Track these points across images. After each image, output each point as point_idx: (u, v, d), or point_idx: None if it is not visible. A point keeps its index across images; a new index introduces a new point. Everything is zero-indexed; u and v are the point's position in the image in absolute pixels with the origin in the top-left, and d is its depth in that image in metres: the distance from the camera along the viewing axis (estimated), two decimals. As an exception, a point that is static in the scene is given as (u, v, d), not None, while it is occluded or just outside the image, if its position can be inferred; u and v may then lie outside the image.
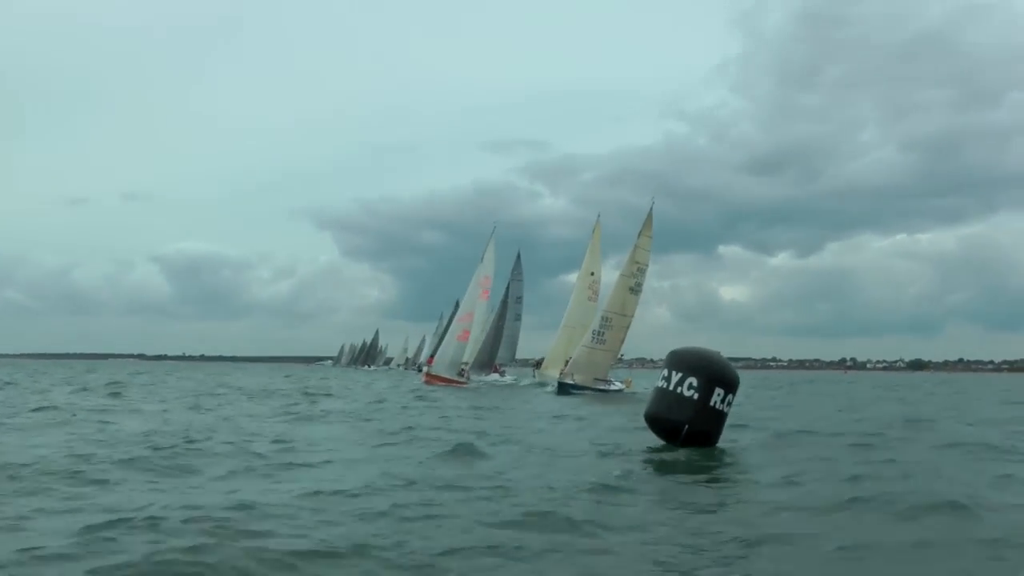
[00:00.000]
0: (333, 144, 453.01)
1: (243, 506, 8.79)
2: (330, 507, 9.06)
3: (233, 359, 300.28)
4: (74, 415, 21.36)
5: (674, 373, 14.84)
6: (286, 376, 74.23)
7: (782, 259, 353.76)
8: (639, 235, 45.58)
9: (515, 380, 62.01)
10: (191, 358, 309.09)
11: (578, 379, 43.58)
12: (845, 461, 13.59)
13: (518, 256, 67.64)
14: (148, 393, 35.65)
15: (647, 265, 45.75)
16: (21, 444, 14.49)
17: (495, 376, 62.80)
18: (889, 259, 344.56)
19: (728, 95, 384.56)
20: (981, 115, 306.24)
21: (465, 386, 54.48)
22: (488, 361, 63.84)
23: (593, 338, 44.81)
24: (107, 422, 19.61)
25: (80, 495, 9.70)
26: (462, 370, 58.76)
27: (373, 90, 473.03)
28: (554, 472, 12.05)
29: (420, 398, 34.82)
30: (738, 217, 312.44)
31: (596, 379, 44.23)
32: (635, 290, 45.25)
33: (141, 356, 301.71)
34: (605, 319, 44.92)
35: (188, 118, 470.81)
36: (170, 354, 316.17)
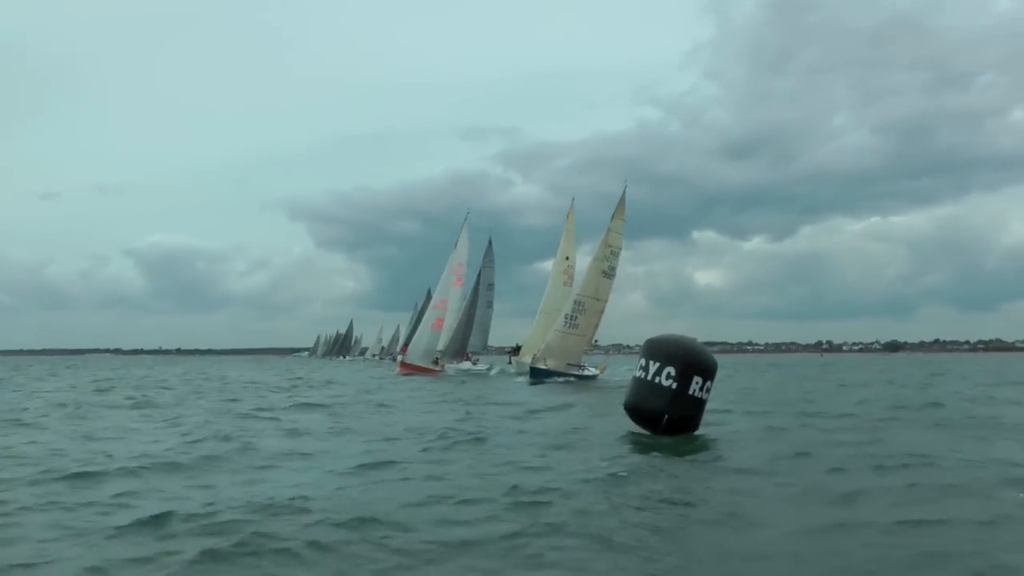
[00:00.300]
0: (306, 134, 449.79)
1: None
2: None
3: (209, 352, 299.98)
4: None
5: (651, 363, 14.86)
6: (276, 368, 73.60)
7: (756, 243, 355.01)
8: (612, 218, 44.82)
9: (488, 368, 61.42)
10: (167, 352, 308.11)
11: (551, 364, 42.78)
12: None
13: (489, 243, 66.94)
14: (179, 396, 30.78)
15: (620, 249, 45.02)
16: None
17: (467, 364, 62.13)
18: (863, 242, 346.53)
19: (700, 80, 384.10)
20: (953, 97, 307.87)
21: (439, 374, 53.91)
22: (460, 349, 63.11)
23: (566, 322, 43.96)
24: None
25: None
26: (437, 358, 58.22)
27: (345, 79, 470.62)
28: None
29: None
30: (712, 202, 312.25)
31: (569, 364, 43.49)
32: (608, 274, 44.54)
33: (117, 351, 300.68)
34: (578, 303, 44.05)
35: (161, 109, 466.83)
36: (146, 348, 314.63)
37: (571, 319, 43.84)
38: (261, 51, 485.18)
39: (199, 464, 12.22)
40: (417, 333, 58.94)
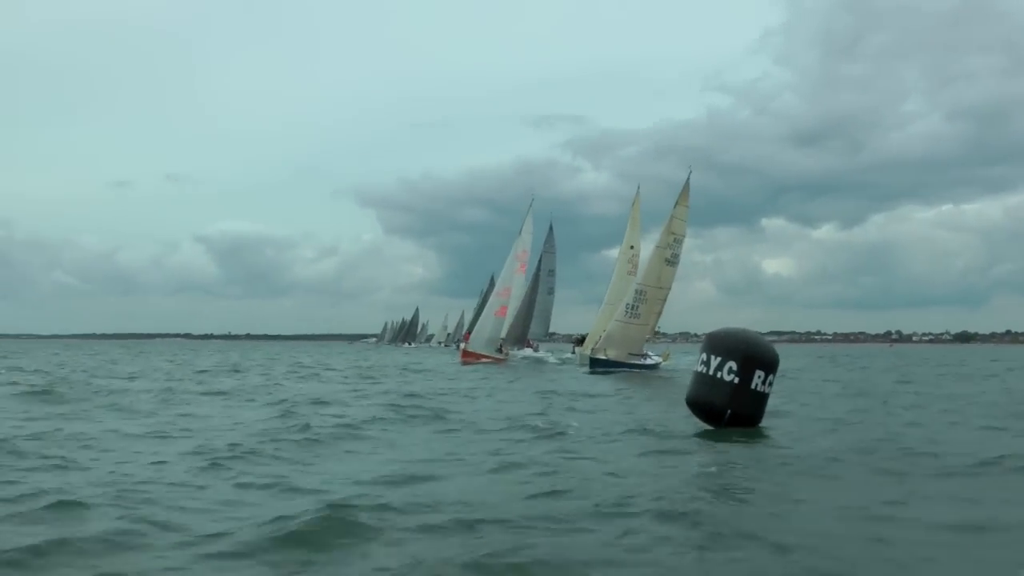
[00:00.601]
0: (375, 123, 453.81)
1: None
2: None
3: (277, 338, 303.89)
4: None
5: (713, 357, 14.76)
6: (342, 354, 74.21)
7: (826, 231, 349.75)
8: (675, 205, 44.38)
9: (548, 355, 61.53)
10: (236, 337, 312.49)
11: (611, 354, 42.64)
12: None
13: (550, 229, 66.42)
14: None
15: (684, 236, 44.66)
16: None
17: (528, 351, 62.21)
18: (934, 230, 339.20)
19: (771, 66, 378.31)
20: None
21: (504, 362, 54.04)
22: (521, 336, 63.10)
23: (627, 312, 43.71)
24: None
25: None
26: (500, 346, 58.39)
27: (413, 68, 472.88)
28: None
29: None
30: (781, 190, 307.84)
31: (631, 354, 43.22)
32: (671, 261, 44.22)
33: (187, 335, 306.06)
34: (639, 292, 43.75)
35: (230, 98, 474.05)
36: (216, 333, 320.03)
37: (632, 308, 43.63)
38: (331, 38, 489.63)
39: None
40: (480, 321, 59.15)
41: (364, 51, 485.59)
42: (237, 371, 39.66)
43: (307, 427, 14.91)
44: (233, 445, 12.55)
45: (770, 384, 14.90)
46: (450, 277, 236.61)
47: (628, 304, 43.87)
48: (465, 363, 52.09)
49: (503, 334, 59.24)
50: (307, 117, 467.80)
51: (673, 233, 44.02)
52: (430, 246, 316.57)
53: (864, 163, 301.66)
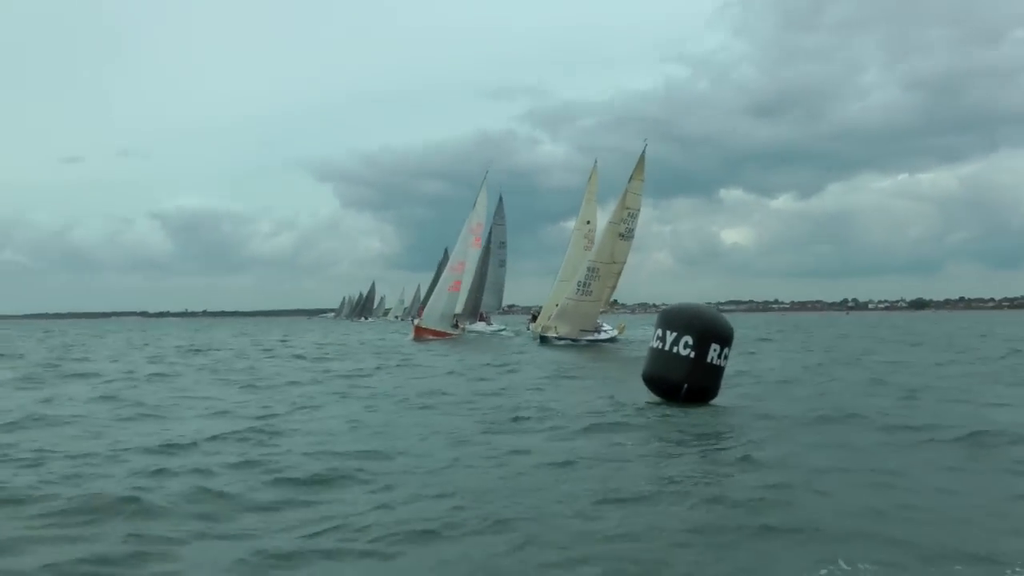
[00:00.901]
0: (331, 95, 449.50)
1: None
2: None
3: (236, 314, 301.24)
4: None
5: (668, 333, 14.97)
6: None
7: (783, 201, 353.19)
8: (630, 179, 43.57)
9: (503, 329, 60.99)
10: (194, 314, 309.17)
11: (561, 331, 42.18)
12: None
13: (500, 200, 65.06)
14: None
15: (639, 210, 43.92)
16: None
17: (481, 325, 61.52)
18: (890, 199, 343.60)
19: (729, 38, 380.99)
20: (983, 53, 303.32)
21: (456, 337, 53.29)
22: (473, 309, 62.23)
23: (578, 289, 42.98)
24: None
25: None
26: (456, 322, 57.57)
27: (370, 39, 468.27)
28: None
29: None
30: (739, 160, 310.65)
31: (582, 331, 42.66)
32: (625, 236, 43.56)
33: (144, 314, 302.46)
34: (592, 269, 42.98)
35: (183, 72, 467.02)
36: (173, 311, 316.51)
37: (584, 286, 42.88)
38: (288, 11, 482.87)
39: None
40: (433, 296, 57.96)
41: (320, 24, 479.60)
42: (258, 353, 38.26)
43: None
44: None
45: (725, 357, 15.07)
46: (408, 250, 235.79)
47: (580, 282, 43.10)
48: (417, 339, 51.18)
49: (458, 309, 58.38)
50: (263, 91, 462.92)
51: (627, 208, 43.31)
52: (388, 219, 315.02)
53: (822, 133, 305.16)
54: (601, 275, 42.79)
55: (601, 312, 46.19)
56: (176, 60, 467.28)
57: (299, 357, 33.68)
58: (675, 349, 14.77)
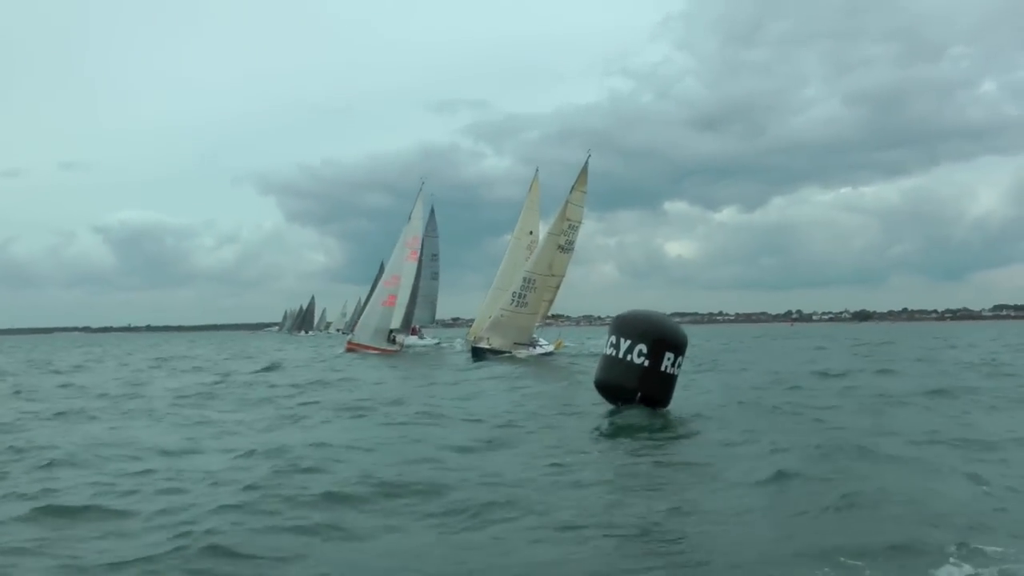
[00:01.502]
0: (274, 108, 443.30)
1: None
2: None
3: (179, 328, 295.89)
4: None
5: (622, 340, 14.77)
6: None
7: (727, 214, 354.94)
8: (571, 190, 41.83)
9: (437, 342, 59.12)
10: (137, 329, 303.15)
11: (495, 344, 39.95)
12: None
13: (432, 212, 63.11)
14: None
15: (580, 222, 42.24)
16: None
17: (413, 339, 59.34)
18: (834, 212, 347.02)
19: (672, 51, 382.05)
20: (924, 69, 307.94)
21: (394, 353, 51.11)
22: (406, 323, 59.97)
23: (513, 300, 40.85)
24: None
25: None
26: (393, 337, 55.38)
27: (314, 51, 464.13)
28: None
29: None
30: (683, 173, 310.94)
31: (516, 344, 40.52)
32: (565, 248, 41.80)
33: (86, 329, 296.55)
34: (528, 280, 40.85)
35: (126, 85, 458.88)
36: (115, 326, 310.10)
37: (519, 297, 40.75)
38: (230, 23, 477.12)
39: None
40: (366, 311, 55.64)
41: (262, 36, 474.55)
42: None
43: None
44: None
45: (679, 366, 14.97)
46: (352, 264, 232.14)
47: (515, 292, 41.01)
48: (350, 352, 49.08)
49: (395, 324, 56.02)
50: (206, 103, 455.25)
51: (568, 219, 41.59)
52: (332, 233, 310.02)
53: (765, 147, 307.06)
54: (538, 287, 40.72)
55: (541, 326, 44.32)
56: (119, 72, 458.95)
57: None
58: (629, 357, 14.58)
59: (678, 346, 14.89)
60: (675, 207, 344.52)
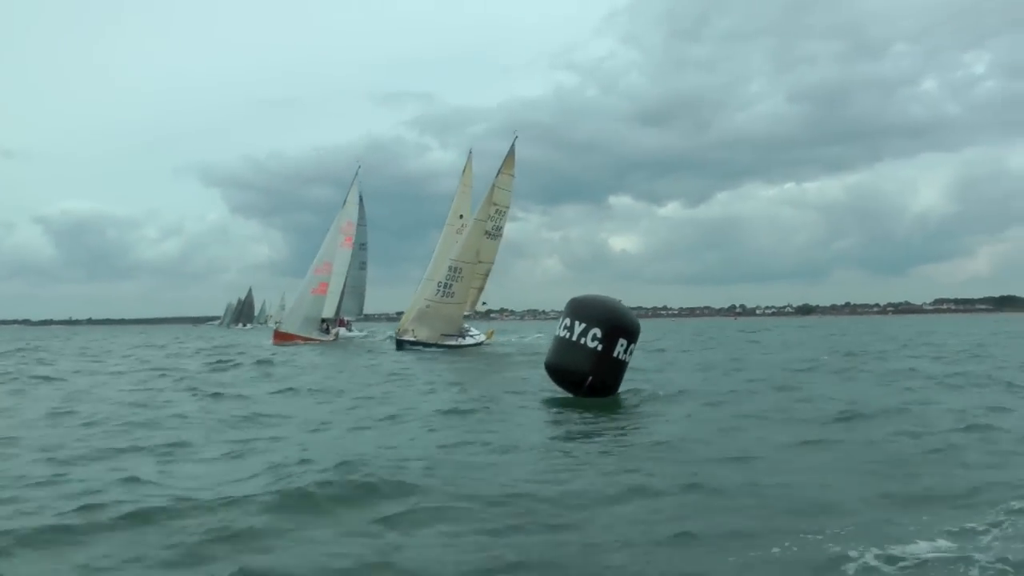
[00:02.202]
0: (219, 99, 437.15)
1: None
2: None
3: (121, 322, 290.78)
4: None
5: (577, 323, 14.62)
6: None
7: (672, 209, 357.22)
8: (498, 173, 40.72)
9: (365, 335, 57.81)
10: (78, 322, 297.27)
11: (420, 335, 38.79)
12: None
13: (360, 200, 60.41)
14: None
15: (508, 207, 41.18)
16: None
17: (341, 331, 57.86)
18: (777, 207, 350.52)
19: (617, 46, 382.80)
20: (868, 66, 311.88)
21: (323, 342, 49.84)
22: (333, 315, 58.42)
23: (439, 291, 39.61)
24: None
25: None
26: (327, 326, 54.09)
27: (259, 44, 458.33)
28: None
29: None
30: (628, 167, 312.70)
31: (444, 335, 39.39)
32: (493, 235, 40.72)
33: (27, 322, 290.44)
34: (454, 269, 39.62)
35: (68, 71, 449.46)
36: (56, 319, 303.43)
37: (445, 287, 39.55)
38: (175, 11, 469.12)
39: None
40: (295, 299, 54.01)
41: (208, 26, 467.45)
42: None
43: None
44: None
45: (631, 353, 14.97)
46: (297, 257, 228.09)
47: (440, 283, 39.76)
48: (278, 344, 47.50)
49: (326, 313, 54.57)
50: (149, 93, 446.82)
51: (495, 204, 40.49)
52: (276, 225, 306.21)
53: (709, 142, 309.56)
54: (464, 276, 39.53)
55: (472, 316, 43.32)
56: (61, 58, 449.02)
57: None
58: (583, 340, 14.45)
59: (632, 333, 14.85)
60: (620, 201, 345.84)
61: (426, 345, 38.04)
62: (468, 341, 40.86)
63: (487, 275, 41.75)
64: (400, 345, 38.43)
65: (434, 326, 39.02)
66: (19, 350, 44.33)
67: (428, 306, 39.41)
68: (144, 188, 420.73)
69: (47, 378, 23.65)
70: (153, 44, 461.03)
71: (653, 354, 30.80)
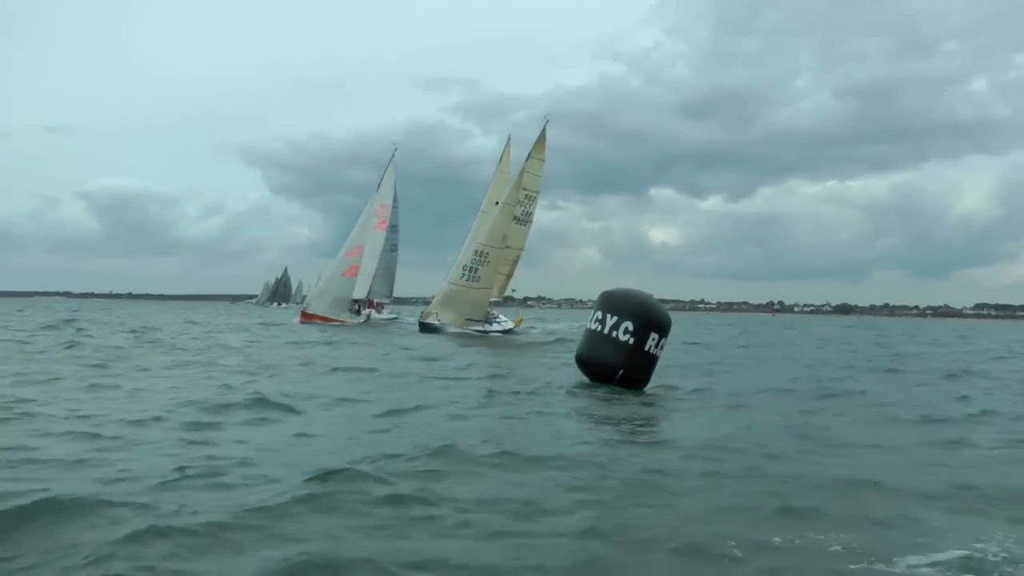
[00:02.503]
0: (261, 81, 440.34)
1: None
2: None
3: (161, 297, 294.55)
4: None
5: (609, 316, 14.72)
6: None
7: (713, 203, 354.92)
8: (528, 158, 40.32)
9: (395, 317, 57.65)
10: (118, 296, 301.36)
11: (444, 320, 38.50)
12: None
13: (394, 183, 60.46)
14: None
15: (538, 192, 40.72)
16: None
17: (371, 312, 57.78)
18: (819, 204, 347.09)
19: (663, 37, 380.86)
20: (916, 64, 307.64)
21: (352, 324, 49.81)
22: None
23: (464, 275, 39.25)
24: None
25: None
26: (359, 308, 54.07)
27: (303, 27, 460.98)
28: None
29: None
30: (670, 160, 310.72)
31: (468, 320, 39.06)
32: (522, 220, 40.28)
33: (67, 294, 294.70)
34: (480, 254, 39.24)
35: (114, 50, 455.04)
36: (97, 292, 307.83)
37: (470, 271, 39.18)
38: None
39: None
40: (324, 281, 53.86)
41: (253, 6, 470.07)
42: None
43: None
44: None
45: (661, 347, 14.98)
46: (336, 238, 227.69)
47: (466, 266, 39.39)
48: (304, 323, 47.68)
49: (357, 295, 54.47)
50: (193, 72, 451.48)
51: (525, 189, 40.05)
52: (316, 207, 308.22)
53: (753, 137, 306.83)
54: (491, 260, 39.13)
55: (499, 302, 42.91)
56: (107, 37, 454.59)
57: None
58: (614, 334, 14.52)
59: (663, 328, 14.89)
60: (661, 193, 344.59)
61: (450, 330, 37.70)
62: (495, 327, 40.53)
63: (516, 262, 41.36)
64: (424, 328, 38.11)
65: (459, 310, 38.74)
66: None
67: (452, 289, 39.09)
68: (186, 166, 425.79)
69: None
70: (198, 25, 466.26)
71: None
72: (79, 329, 35.79)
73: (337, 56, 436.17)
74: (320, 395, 13.83)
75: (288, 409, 11.98)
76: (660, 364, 15.47)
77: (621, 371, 14.65)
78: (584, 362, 15.52)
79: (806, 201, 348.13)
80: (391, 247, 60.37)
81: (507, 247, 39.96)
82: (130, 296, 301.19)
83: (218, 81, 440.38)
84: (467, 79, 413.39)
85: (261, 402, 12.41)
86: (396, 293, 68.55)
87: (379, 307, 60.69)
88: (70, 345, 24.96)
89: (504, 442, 9.32)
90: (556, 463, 8.33)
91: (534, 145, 40.63)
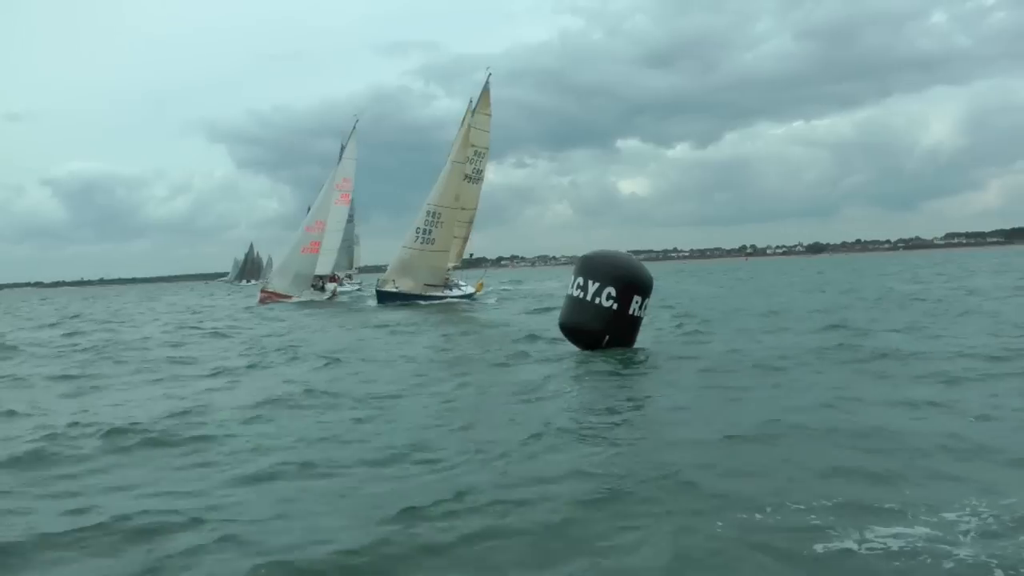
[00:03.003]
0: (222, 55, 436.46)
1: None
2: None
3: (133, 281, 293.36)
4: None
5: (590, 282, 14.62)
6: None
7: (680, 151, 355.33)
8: (473, 113, 39.40)
9: (357, 288, 56.79)
10: (90, 283, 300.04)
11: (401, 286, 37.80)
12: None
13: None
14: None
15: (487, 148, 39.91)
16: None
17: (334, 286, 57.04)
18: (786, 146, 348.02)
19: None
20: (874, 1, 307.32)
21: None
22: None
23: (418, 237, 38.44)
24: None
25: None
26: (323, 284, 53.12)
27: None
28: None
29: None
30: (635, 110, 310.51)
31: (428, 285, 38.39)
32: (473, 178, 39.52)
33: (38, 284, 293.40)
34: (432, 214, 38.41)
35: (70, 34, 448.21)
36: (67, 280, 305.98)
37: (424, 233, 38.37)
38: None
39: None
40: (285, 258, 52.81)
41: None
42: None
43: None
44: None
45: (645, 308, 15.02)
46: (305, 210, 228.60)
47: (419, 228, 38.57)
48: (263, 303, 46.73)
49: (321, 270, 53.48)
50: (152, 50, 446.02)
51: (473, 145, 39.23)
52: (284, 179, 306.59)
53: (717, 83, 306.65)
54: (444, 221, 38.41)
55: (450, 267, 42.01)
56: (65, 20, 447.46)
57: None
58: (597, 300, 14.42)
59: (645, 289, 14.83)
60: (628, 144, 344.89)
61: (407, 297, 37.20)
62: (455, 293, 39.99)
63: (471, 222, 40.68)
64: (381, 298, 37.58)
65: (417, 276, 38.08)
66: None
67: (406, 253, 38.39)
68: (151, 146, 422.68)
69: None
70: (154, 2, 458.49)
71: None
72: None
73: (297, 26, 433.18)
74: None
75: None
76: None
77: (607, 337, 14.64)
78: (568, 329, 15.40)
79: (773, 143, 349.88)
80: (348, 218, 59.42)
81: (461, 208, 39.25)
82: (102, 282, 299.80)
83: (179, 58, 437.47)
84: (427, 41, 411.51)
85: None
86: (365, 262, 67.76)
87: (340, 280, 59.89)
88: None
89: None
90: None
91: (478, 99, 39.79)
